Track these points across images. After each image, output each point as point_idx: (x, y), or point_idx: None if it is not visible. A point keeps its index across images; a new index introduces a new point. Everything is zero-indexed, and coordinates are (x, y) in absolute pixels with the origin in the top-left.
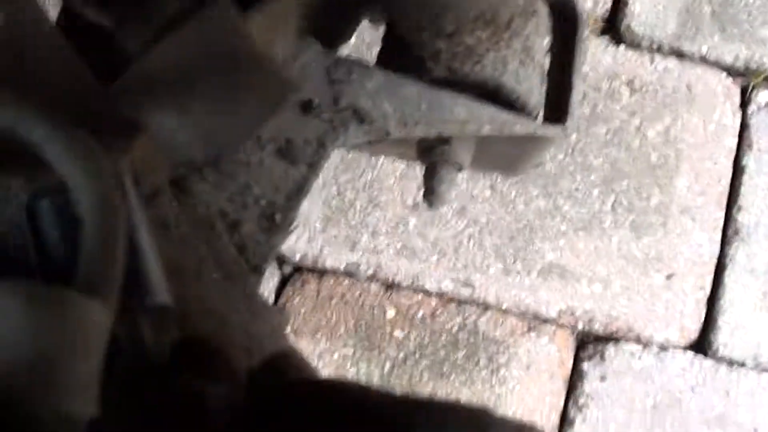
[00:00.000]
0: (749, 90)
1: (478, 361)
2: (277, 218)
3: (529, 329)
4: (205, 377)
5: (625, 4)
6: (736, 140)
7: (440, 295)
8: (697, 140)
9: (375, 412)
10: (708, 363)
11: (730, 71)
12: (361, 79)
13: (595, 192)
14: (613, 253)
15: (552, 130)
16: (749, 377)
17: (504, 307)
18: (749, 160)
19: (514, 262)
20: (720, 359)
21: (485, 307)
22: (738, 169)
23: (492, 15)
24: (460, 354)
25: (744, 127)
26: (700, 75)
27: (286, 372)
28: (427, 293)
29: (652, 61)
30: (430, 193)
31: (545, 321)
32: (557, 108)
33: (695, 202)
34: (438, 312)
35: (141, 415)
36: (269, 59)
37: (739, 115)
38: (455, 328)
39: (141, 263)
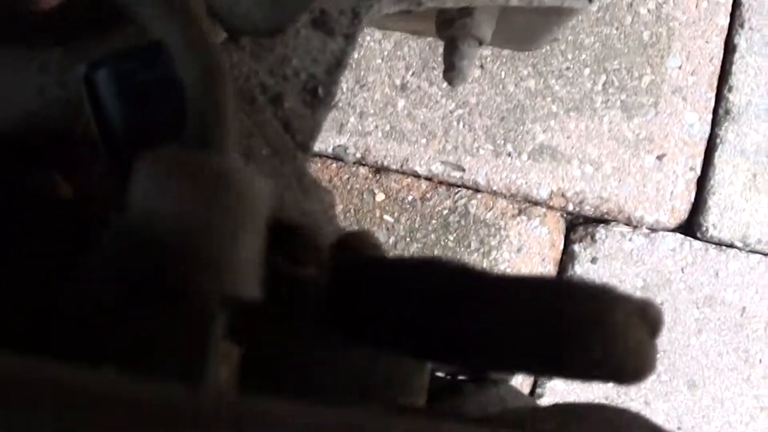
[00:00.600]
0: None
1: (470, 244)
2: (320, 92)
3: (520, 212)
4: (297, 261)
5: None
6: (728, 19)
7: (430, 178)
8: (689, 18)
9: (500, 292)
10: (697, 244)
11: None
12: None
13: (587, 71)
14: (604, 134)
15: (578, 2)
16: (738, 258)
17: (494, 190)
18: (741, 39)
19: (505, 143)
20: (709, 240)
21: (476, 189)
22: (729, 48)
23: None
24: (451, 237)
25: (736, 5)
26: None
27: (365, 251)
28: (417, 176)
29: None
30: (451, 69)
31: (536, 203)
32: None
33: (686, 82)
34: (428, 195)
35: None
36: None
37: None
38: (446, 212)
39: None
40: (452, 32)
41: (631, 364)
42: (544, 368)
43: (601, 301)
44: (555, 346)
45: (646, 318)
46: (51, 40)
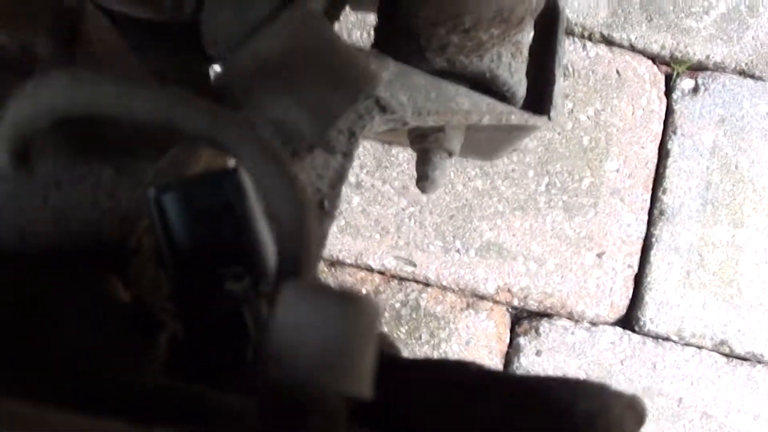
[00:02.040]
0: (674, 77)
1: (420, 336)
2: (326, 204)
3: (468, 305)
4: None
5: None
6: (661, 126)
7: (383, 272)
8: (625, 124)
9: (521, 388)
10: (636, 338)
11: (656, 59)
12: (378, 69)
13: (531, 173)
14: (548, 233)
15: (540, 121)
16: (674, 351)
17: (444, 284)
18: (674, 145)
19: (454, 240)
20: (647, 334)
21: (426, 283)
22: (663, 153)
23: (509, 13)
24: (403, 329)
25: (669, 113)
26: (629, 62)
27: (386, 350)
28: (370, 270)
29: (584, 47)
30: (424, 179)
31: (483, 297)
32: (540, 99)
33: (624, 184)
34: (381, 288)
35: None
36: (353, 52)
37: (664, 101)
38: (398, 305)
39: (261, 251)
40: (425, 145)
41: None
42: None
43: (603, 396)
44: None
45: (635, 410)
46: (105, 158)
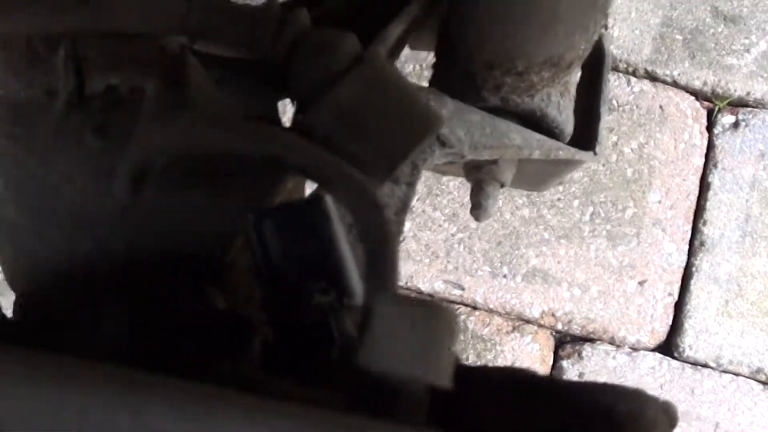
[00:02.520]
0: (715, 113)
1: (467, 357)
2: (394, 231)
3: (514, 329)
4: None
5: (605, 28)
6: (703, 159)
7: (432, 295)
8: (668, 158)
9: (568, 391)
10: (675, 363)
11: (698, 95)
12: (438, 106)
13: (576, 203)
14: (591, 260)
15: (586, 155)
16: (711, 377)
17: (491, 308)
18: (714, 178)
19: (501, 266)
20: (685, 360)
21: (474, 307)
22: (704, 186)
23: (559, 58)
24: None
25: (710, 147)
26: (672, 98)
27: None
28: (420, 293)
29: (628, 83)
30: (477, 207)
31: (528, 321)
32: (586, 135)
33: (666, 215)
34: None
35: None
36: (419, 96)
37: (706, 136)
38: None
39: (345, 269)
40: (480, 176)
41: None
42: None
43: (640, 400)
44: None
45: (668, 414)
46: (201, 185)
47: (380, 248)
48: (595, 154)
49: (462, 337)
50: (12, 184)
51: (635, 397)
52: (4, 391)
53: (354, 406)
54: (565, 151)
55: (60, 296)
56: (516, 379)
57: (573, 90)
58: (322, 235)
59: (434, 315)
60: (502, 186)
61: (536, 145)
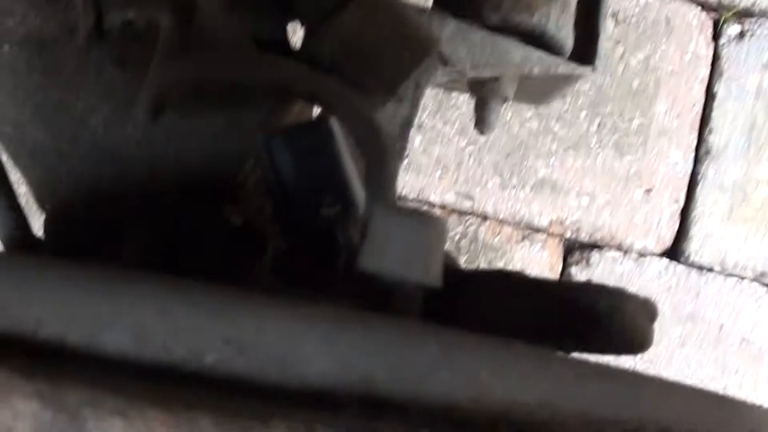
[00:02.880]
0: (721, 24)
1: (479, 265)
2: (397, 147)
3: (523, 237)
4: None
5: None
6: (708, 69)
7: (443, 207)
8: (674, 68)
9: (555, 290)
10: (681, 268)
11: (704, 6)
12: (440, 26)
13: (583, 114)
14: (598, 170)
15: (585, 70)
16: (716, 281)
17: (501, 218)
18: (720, 87)
19: (510, 177)
20: (691, 265)
21: (484, 217)
22: (710, 95)
23: None
24: (463, 260)
25: (716, 57)
26: (678, 9)
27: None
28: (432, 205)
29: None
30: (481, 121)
31: (537, 230)
32: (586, 50)
33: (672, 125)
34: None
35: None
36: (418, 20)
37: (712, 46)
38: (457, 237)
39: (349, 183)
40: (483, 92)
41: (638, 340)
42: (579, 343)
43: (620, 297)
44: (590, 326)
45: (647, 309)
46: (216, 109)
47: (377, 165)
48: (594, 68)
49: (472, 246)
50: (40, 111)
51: (615, 295)
52: (43, 295)
53: (354, 304)
54: (564, 67)
55: (85, 216)
56: (505, 279)
57: (572, 6)
58: (329, 152)
59: (426, 222)
60: (505, 101)
61: (536, 61)
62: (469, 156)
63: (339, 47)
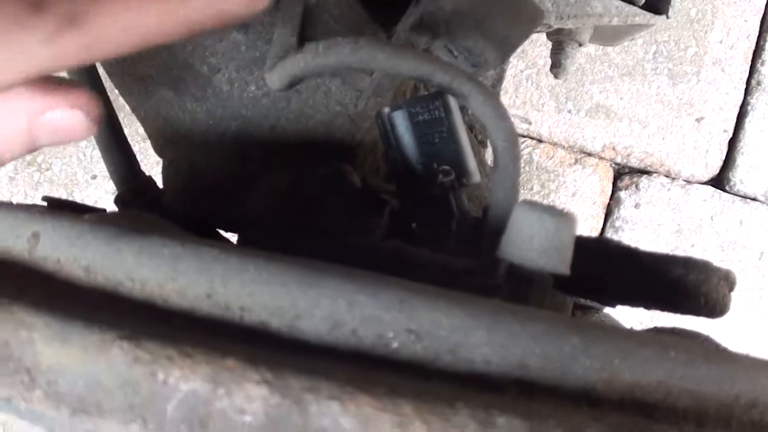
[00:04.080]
0: None
1: (532, 187)
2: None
3: (576, 161)
4: None
5: None
6: (765, 0)
7: None
8: None
9: (648, 260)
10: (726, 196)
11: None
12: None
13: (640, 41)
14: (652, 97)
15: (660, 19)
16: (760, 210)
17: (555, 141)
18: None
19: (566, 101)
20: (736, 193)
21: (539, 140)
22: (765, 26)
23: None
24: None
25: None
26: None
27: None
28: None
29: None
30: (558, 65)
31: (590, 154)
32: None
33: (725, 55)
34: None
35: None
36: None
37: None
38: None
39: (464, 154)
40: (560, 37)
41: (719, 308)
42: (668, 308)
43: (707, 270)
44: (680, 295)
45: (728, 280)
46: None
47: (506, 154)
48: (668, 17)
49: (527, 168)
50: (167, 68)
51: (702, 269)
52: (246, 285)
53: (493, 292)
54: (641, 17)
55: (208, 169)
56: (604, 247)
57: None
58: (445, 124)
59: (561, 217)
60: (581, 45)
61: (615, 12)
62: (527, 79)
63: (451, 13)
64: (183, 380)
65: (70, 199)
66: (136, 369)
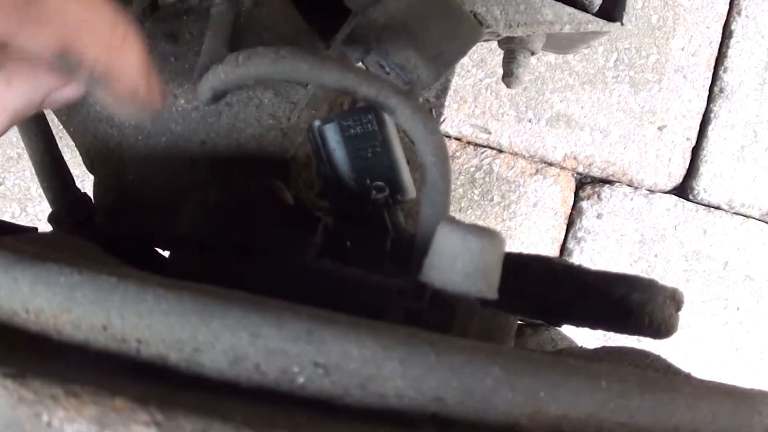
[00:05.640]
0: None
1: (492, 198)
2: (434, 113)
3: (537, 171)
4: None
5: None
6: (727, 7)
7: (459, 139)
8: (692, 5)
9: (589, 278)
10: (689, 205)
11: None
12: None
13: (600, 49)
14: (613, 106)
15: (613, 26)
16: (723, 219)
17: (516, 151)
18: (737, 26)
19: (526, 110)
20: (700, 202)
21: (499, 150)
22: (726, 33)
23: None
24: (477, 191)
25: None
26: None
27: None
28: (448, 137)
29: None
30: (510, 75)
31: (551, 164)
32: (614, 7)
33: (687, 62)
34: (457, 154)
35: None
36: (463, 8)
37: None
38: (472, 169)
39: (398, 170)
40: (511, 46)
41: (664, 328)
42: (612, 328)
43: (652, 289)
44: (623, 315)
45: (675, 299)
46: (265, 84)
47: (435, 171)
48: (622, 24)
49: (487, 179)
50: None
51: (647, 288)
52: (143, 317)
53: (417, 317)
54: (594, 24)
55: (138, 185)
56: (545, 265)
57: None
58: (378, 138)
59: (487, 238)
60: (533, 54)
61: (567, 19)
62: (487, 88)
63: (384, 28)
64: (68, 422)
65: (24, 214)
66: (20, 410)
